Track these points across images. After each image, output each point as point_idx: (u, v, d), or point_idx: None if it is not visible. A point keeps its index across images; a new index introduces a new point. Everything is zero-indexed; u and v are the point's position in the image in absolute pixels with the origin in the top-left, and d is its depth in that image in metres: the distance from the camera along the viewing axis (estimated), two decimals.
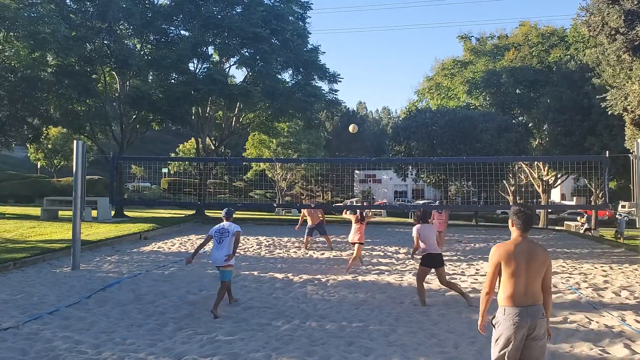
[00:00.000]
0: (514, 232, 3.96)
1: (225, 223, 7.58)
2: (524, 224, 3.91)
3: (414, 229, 8.11)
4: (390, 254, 13.46)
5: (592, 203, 35.54)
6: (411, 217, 36.71)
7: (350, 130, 15.56)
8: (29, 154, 46.72)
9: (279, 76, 28.58)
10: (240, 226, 7.52)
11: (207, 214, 25.87)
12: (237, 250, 13.76)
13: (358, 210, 11.63)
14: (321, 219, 14.58)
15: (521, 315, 3.75)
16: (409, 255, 12.49)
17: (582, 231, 22.64)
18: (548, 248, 15.40)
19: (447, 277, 8.61)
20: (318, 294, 8.60)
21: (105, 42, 23.82)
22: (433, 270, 8.05)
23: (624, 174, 19.93)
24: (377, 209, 35.77)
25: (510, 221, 4.02)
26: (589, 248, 15.83)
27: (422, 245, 7.98)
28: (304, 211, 14.97)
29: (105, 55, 23.55)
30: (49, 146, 44.09)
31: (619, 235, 21.36)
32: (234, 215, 7.92)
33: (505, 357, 3.79)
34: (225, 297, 7.54)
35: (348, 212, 12.54)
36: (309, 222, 14.48)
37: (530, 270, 3.81)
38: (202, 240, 7.94)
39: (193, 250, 8.08)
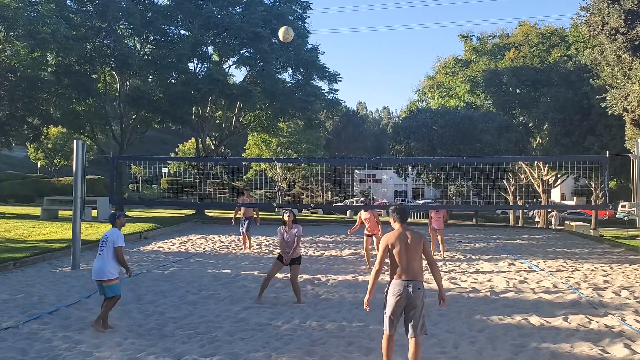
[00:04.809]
0: (396, 224, 4.86)
1: (109, 230, 6.56)
2: (401, 217, 4.85)
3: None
4: None
5: (592, 203, 35.55)
6: (412, 217, 36.70)
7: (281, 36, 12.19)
8: (29, 154, 46.64)
9: (279, 76, 28.59)
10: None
11: (207, 213, 25.86)
12: (237, 251, 13.89)
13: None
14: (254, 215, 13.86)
15: (402, 285, 4.68)
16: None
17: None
18: (548, 248, 15.52)
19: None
20: (318, 294, 8.60)
21: (105, 41, 23.84)
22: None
23: (623, 174, 19.94)
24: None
25: (391, 218, 4.88)
26: (589, 248, 15.82)
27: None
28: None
29: (105, 55, 23.56)
30: (49, 146, 44.01)
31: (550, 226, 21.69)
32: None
33: (390, 316, 4.76)
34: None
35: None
36: (242, 214, 13.61)
37: (409, 251, 4.71)
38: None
39: None
